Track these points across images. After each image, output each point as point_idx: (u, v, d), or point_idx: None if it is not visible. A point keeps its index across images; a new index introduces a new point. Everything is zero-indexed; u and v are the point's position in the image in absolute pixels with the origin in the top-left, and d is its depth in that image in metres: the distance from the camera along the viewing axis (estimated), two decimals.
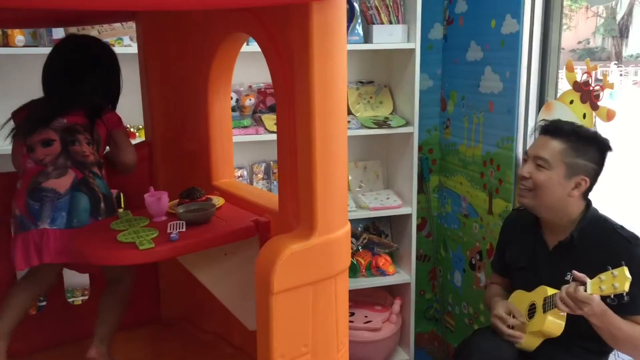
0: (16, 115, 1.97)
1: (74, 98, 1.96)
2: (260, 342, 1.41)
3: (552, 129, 2.03)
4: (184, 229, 1.65)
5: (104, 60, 2.06)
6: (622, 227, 1.99)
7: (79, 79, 1.98)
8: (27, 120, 1.93)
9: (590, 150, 1.97)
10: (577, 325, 1.88)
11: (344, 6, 1.38)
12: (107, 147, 2.06)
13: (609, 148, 2.00)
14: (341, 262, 1.48)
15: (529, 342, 1.98)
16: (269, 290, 1.34)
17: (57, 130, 1.90)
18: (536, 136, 2.39)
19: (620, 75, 15.64)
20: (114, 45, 2.50)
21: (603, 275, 1.77)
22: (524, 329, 1.99)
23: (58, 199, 1.85)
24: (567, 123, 2.06)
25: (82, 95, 1.97)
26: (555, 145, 1.98)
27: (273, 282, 1.34)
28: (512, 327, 2.00)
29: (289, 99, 1.46)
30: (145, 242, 1.54)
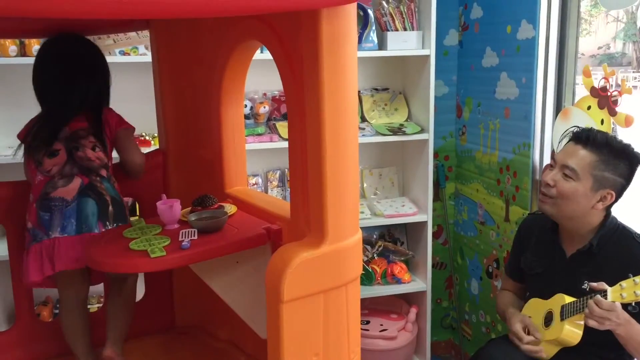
0: (21, 135, 1.98)
1: (73, 105, 1.94)
2: (270, 350, 1.41)
3: (585, 137, 1.95)
4: (195, 237, 1.65)
5: (93, 59, 2.02)
6: None
7: (73, 82, 1.94)
8: (34, 139, 1.92)
9: (620, 164, 1.91)
10: (594, 333, 1.84)
11: (354, 14, 1.38)
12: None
13: None
14: (352, 270, 1.47)
15: (546, 350, 1.95)
16: (279, 298, 1.34)
17: (61, 140, 1.91)
18: (559, 143, 2.36)
19: None
20: (129, 54, 2.53)
21: (624, 283, 1.74)
22: (541, 336, 1.96)
23: (66, 207, 1.87)
24: (601, 133, 1.97)
25: (81, 101, 1.95)
26: (585, 156, 1.92)
27: (283, 291, 1.33)
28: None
29: (300, 107, 1.46)
30: (156, 250, 1.54)
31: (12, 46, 2.44)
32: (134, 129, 2.08)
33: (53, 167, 1.90)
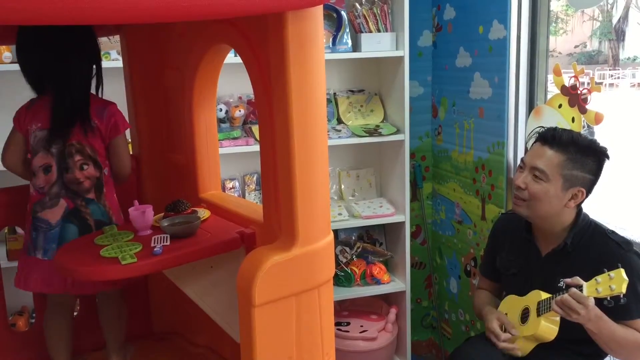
0: (20, 118, 1.91)
1: (78, 91, 1.89)
2: (243, 355, 1.40)
3: (550, 138, 1.96)
4: (168, 243, 1.64)
5: (84, 32, 1.94)
6: (613, 232, 1.97)
7: (69, 60, 1.87)
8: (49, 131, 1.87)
9: (588, 161, 1.93)
10: (570, 329, 1.86)
11: (320, 16, 1.38)
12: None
13: (606, 157, 1.95)
14: (324, 272, 1.47)
15: (522, 346, 1.96)
16: (250, 302, 1.33)
17: (55, 155, 1.88)
18: (527, 143, 2.38)
19: (618, 77, 15.70)
20: (101, 60, 2.50)
21: (599, 277, 1.75)
22: (518, 332, 1.98)
23: (49, 230, 1.88)
24: (566, 132, 1.98)
25: (80, 83, 1.90)
26: (553, 157, 1.93)
27: (254, 295, 1.32)
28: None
29: (269, 110, 1.46)
30: (127, 257, 1.53)
31: (6, 52, 2.40)
32: (129, 127, 2.06)
33: (46, 184, 1.89)
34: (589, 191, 1.96)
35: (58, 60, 1.86)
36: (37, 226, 1.89)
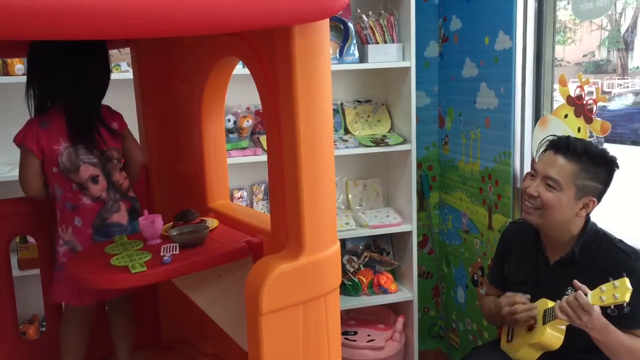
0: (36, 139, 1.89)
1: (95, 101, 1.95)
2: None
3: (564, 147, 1.96)
4: (177, 252, 1.67)
5: (101, 45, 1.99)
6: (621, 241, 1.97)
7: (84, 66, 1.92)
8: (75, 162, 1.91)
9: (599, 170, 1.93)
10: (575, 337, 1.86)
11: (326, 29, 1.40)
12: None
13: (617, 167, 1.95)
14: (331, 281, 1.48)
15: (528, 354, 1.96)
16: (258, 311, 1.35)
17: (97, 165, 1.94)
18: (537, 152, 2.38)
19: (627, 87, 15.65)
20: (112, 72, 2.54)
21: (604, 286, 1.76)
22: (523, 340, 1.98)
23: (125, 231, 1.95)
24: (579, 141, 1.98)
25: (93, 87, 1.95)
26: (566, 166, 1.93)
27: (262, 303, 1.34)
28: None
29: (277, 121, 1.48)
30: (137, 266, 1.55)
31: (18, 65, 2.44)
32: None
33: (101, 192, 1.95)
34: (599, 200, 1.97)
35: (76, 71, 1.90)
36: (109, 232, 1.93)
